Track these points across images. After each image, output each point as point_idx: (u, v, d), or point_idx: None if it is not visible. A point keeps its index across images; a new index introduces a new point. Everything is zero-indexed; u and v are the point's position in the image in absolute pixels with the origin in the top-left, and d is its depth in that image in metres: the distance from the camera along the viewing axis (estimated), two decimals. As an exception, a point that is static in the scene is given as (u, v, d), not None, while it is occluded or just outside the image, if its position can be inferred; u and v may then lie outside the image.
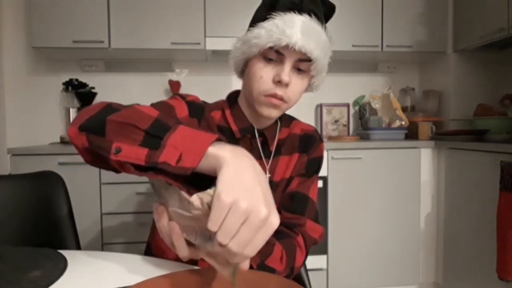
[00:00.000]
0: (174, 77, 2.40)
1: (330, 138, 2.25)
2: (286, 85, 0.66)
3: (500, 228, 1.49)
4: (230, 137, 0.74)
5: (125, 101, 2.19)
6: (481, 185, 1.69)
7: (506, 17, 1.84)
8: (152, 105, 0.70)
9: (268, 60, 0.67)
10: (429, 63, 2.49)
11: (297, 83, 0.68)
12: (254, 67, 0.68)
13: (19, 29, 2.24)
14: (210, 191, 0.37)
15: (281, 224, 0.72)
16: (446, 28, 2.26)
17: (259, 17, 0.69)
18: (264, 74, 0.67)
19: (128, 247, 1.80)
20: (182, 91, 2.33)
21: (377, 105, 2.34)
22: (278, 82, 0.66)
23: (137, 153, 0.41)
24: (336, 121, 2.47)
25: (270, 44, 0.64)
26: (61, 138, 2.08)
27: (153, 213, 0.43)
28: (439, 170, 2.02)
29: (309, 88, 0.75)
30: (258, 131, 0.76)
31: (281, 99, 0.67)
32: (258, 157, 0.75)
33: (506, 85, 2.22)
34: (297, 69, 0.68)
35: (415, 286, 2.04)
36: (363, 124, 2.40)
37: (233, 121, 0.75)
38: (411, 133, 2.25)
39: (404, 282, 2.01)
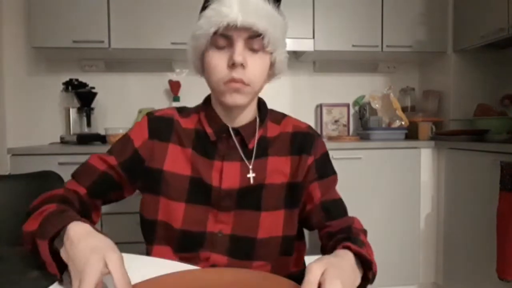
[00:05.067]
0: (174, 77, 2.40)
1: (330, 138, 2.25)
2: (242, 65, 0.63)
3: (500, 228, 1.49)
4: (206, 140, 0.72)
5: (125, 101, 2.18)
6: (481, 185, 1.69)
7: (506, 17, 1.84)
8: (110, 149, 0.74)
9: (219, 48, 0.64)
10: (429, 63, 2.49)
11: (254, 62, 0.65)
12: (207, 58, 0.66)
13: (19, 29, 2.24)
14: None
15: (338, 232, 0.67)
16: (446, 28, 2.26)
17: (201, 9, 0.68)
18: (218, 62, 0.64)
19: (128, 247, 1.80)
20: (182, 91, 2.33)
21: (377, 105, 2.34)
22: (233, 65, 0.63)
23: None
24: (336, 121, 2.47)
25: (212, 29, 0.62)
26: (61, 138, 2.08)
27: None
28: (439, 170, 2.02)
29: (273, 68, 0.71)
30: (234, 129, 0.72)
31: (242, 82, 0.64)
32: (237, 158, 0.71)
33: (506, 85, 2.22)
34: (252, 49, 0.65)
35: (415, 286, 2.04)
36: (363, 124, 2.40)
37: (207, 123, 0.73)
38: (411, 133, 2.25)
39: (404, 282, 2.01)
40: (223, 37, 0.63)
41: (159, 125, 0.73)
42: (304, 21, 2.15)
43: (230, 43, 0.64)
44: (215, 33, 0.63)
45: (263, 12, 0.63)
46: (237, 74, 0.63)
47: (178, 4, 2.03)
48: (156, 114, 0.75)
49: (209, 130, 0.72)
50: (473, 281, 1.74)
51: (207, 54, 0.66)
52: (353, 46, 2.18)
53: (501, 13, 1.87)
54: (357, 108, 2.52)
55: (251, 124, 0.73)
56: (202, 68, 0.72)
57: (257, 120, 0.74)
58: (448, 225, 1.95)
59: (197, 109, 0.77)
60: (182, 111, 0.77)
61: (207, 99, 0.77)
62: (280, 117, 0.79)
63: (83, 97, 2.16)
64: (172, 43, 2.03)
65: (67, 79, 2.18)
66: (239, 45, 0.63)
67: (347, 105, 2.48)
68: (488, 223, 1.60)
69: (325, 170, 0.76)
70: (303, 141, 0.75)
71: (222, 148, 0.71)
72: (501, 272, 1.47)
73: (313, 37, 2.16)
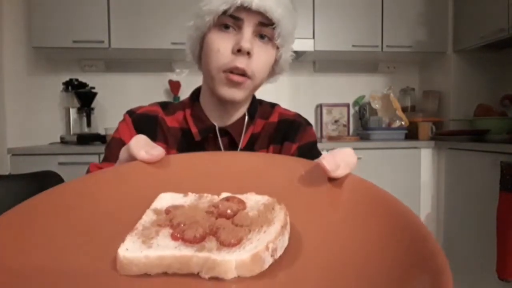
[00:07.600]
0: (174, 77, 2.40)
1: (330, 138, 2.25)
2: (248, 54, 0.56)
3: (500, 228, 1.49)
4: (192, 141, 0.65)
5: (125, 101, 2.18)
6: (481, 185, 1.69)
7: (506, 18, 1.84)
8: (105, 157, 0.65)
9: (225, 28, 0.58)
10: (429, 63, 2.49)
11: (261, 53, 0.59)
12: (209, 40, 0.59)
13: (19, 29, 2.24)
14: None
15: None
16: (446, 28, 2.26)
17: None
18: (222, 45, 0.57)
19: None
20: (182, 91, 2.33)
21: (377, 105, 2.34)
22: (238, 52, 0.56)
23: None
24: (336, 121, 2.47)
25: (224, 7, 0.55)
26: (61, 138, 2.08)
27: None
28: (439, 170, 2.01)
29: (275, 66, 0.65)
30: (222, 129, 0.66)
31: (244, 74, 0.57)
32: None
33: (506, 85, 2.22)
34: (260, 36, 0.59)
35: (415, 286, 2.03)
36: (363, 124, 2.40)
37: (193, 122, 0.66)
38: (411, 133, 2.25)
39: (404, 282, 2.01)
40: (232, 18, 0.57)
41: (143, 123, 0.67)
42: (304, 21, 2.15)
43: (238, 26, 0.57)
44: (223, 13, 0.56)
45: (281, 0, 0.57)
46: (241, 63, 0.57)
47: (178, 4, 2.03)
48: (138, 112, 0.69)
49: (194, 130, 0.65)
50: (473, 281, 1.74)
51: (209, 36, 0.59)
52: (353, 46, 2.18)
53: (501, 13, 1.87)
54: (357, 108, 2.52)
55: (239, 122, 0.67)
56: (200, 55, 0.64)
57: (246, 116, 0.68)
58: (448, 225, 1.95)
59: (183, 106, 0.70)
60: (166, 107, 0.70)
61: (194, 93, 0.71)
62: (268, 111, 0.72)
63: (83, 97, 2.16)
64: (172, 43, 2.03)
65: (67, 79, 2.18)
66: (248, 30, 0.57)
67: (347, 105, 2.48)
68: (488, 223, 1.60)
69: (309, 156, 0.70)
70: (288, 129, 0.69)
71: (209, 150, 0.65)
72: (501, 272, 1.47)
73: (313, 37, 2.16)
